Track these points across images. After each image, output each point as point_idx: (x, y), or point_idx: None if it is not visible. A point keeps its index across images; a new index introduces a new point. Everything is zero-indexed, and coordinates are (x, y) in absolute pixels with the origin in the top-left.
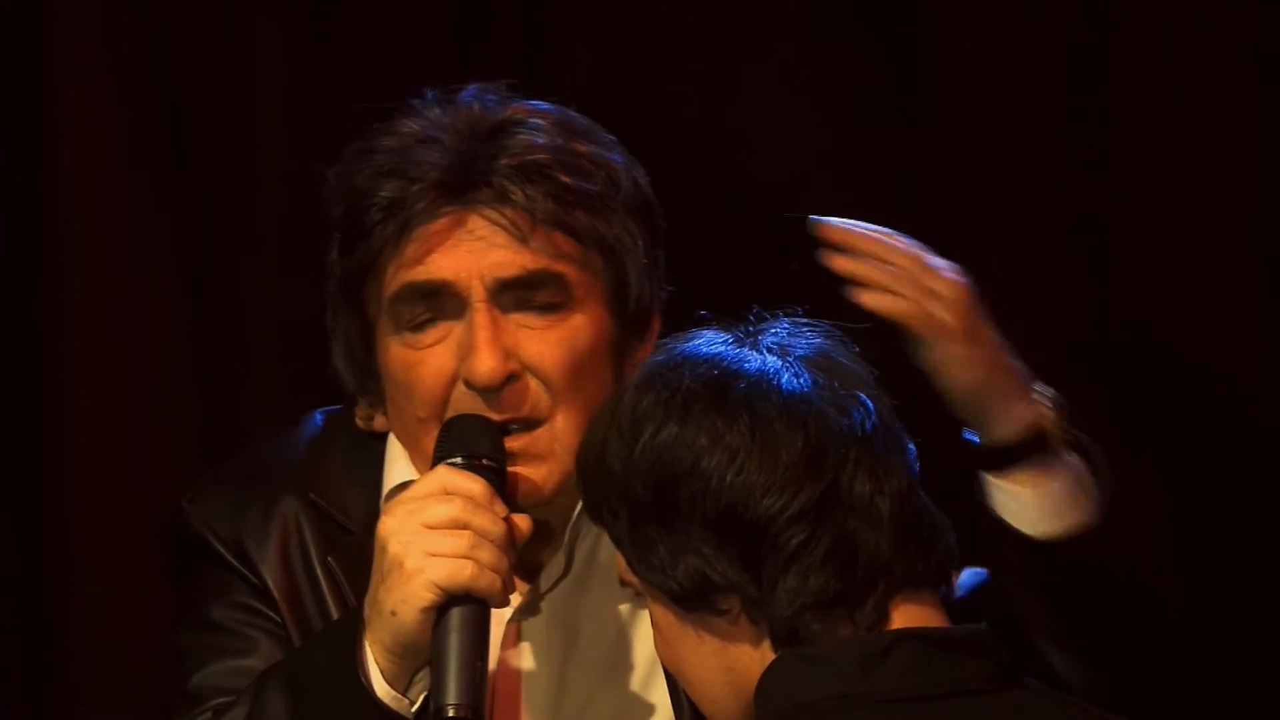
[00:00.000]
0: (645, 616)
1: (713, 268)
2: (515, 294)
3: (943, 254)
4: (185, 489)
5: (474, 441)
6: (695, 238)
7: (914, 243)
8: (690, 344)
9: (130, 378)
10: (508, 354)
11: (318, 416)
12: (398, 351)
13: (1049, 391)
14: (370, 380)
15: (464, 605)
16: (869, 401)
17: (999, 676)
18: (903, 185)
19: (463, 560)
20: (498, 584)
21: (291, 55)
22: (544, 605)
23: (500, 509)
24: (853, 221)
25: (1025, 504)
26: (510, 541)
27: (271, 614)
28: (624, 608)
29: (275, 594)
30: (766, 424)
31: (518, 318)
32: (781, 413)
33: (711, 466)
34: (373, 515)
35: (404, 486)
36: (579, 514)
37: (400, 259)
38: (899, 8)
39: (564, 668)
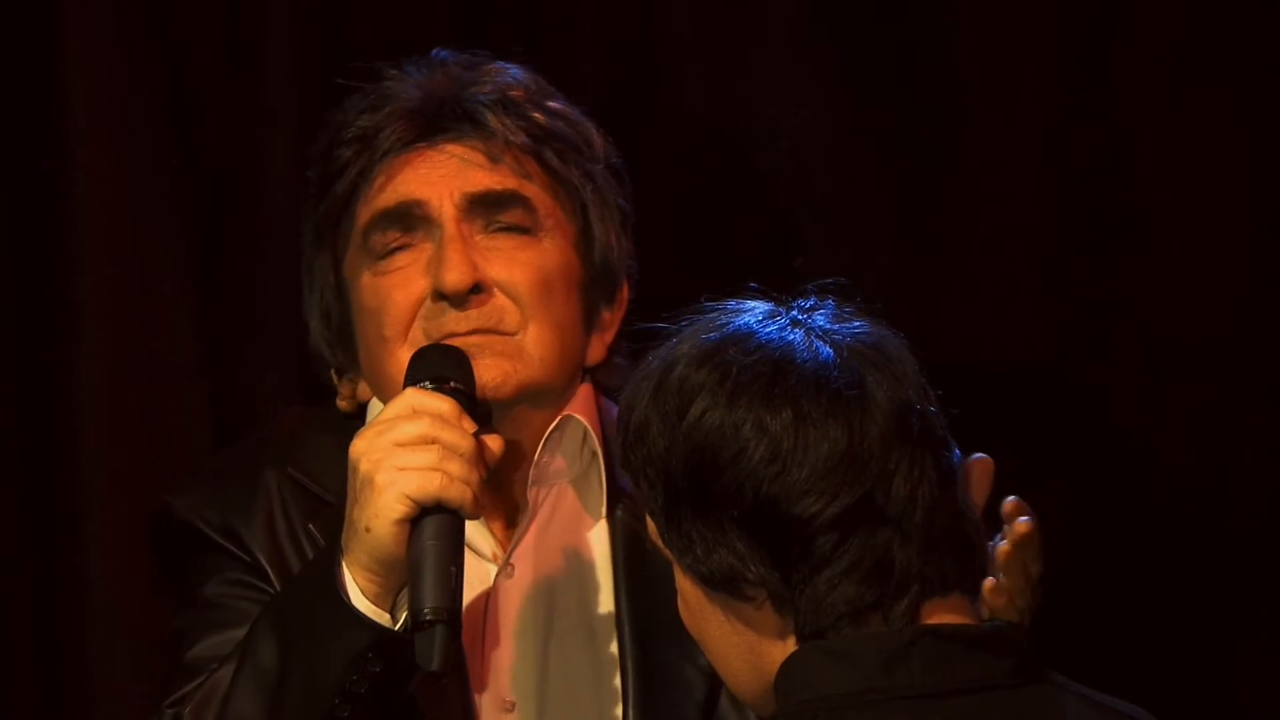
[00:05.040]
0: (604, 565)
1: (713, 261)
2: (485, 213)
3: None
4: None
5: (442, 367)
6: (697, 233)
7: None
8: (743, 320)
9: (141, 373)
10: (475, 265)
11: (297, 411)
12: (369, 281)
13: None
14: (345, 338)
15: (437, 516)
16: (917, 403)
17: (1021, 673)
18: (903, 183)
19: (432, 472)
20: (468, 494)
21: (299, 54)
22: (521, 559)
23: (469, 425)
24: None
25: None
26: (480, 456)
27: (264, 585)
28: (593, 559)
29: (266, 565)
30: (811, 423)
31: (486, 240)
32: (829, 412)
33: (754, 462)
34: None
35: None
36: (544, 447)
37: (371, 190)
38: (900, 5)
39: (547, 625)
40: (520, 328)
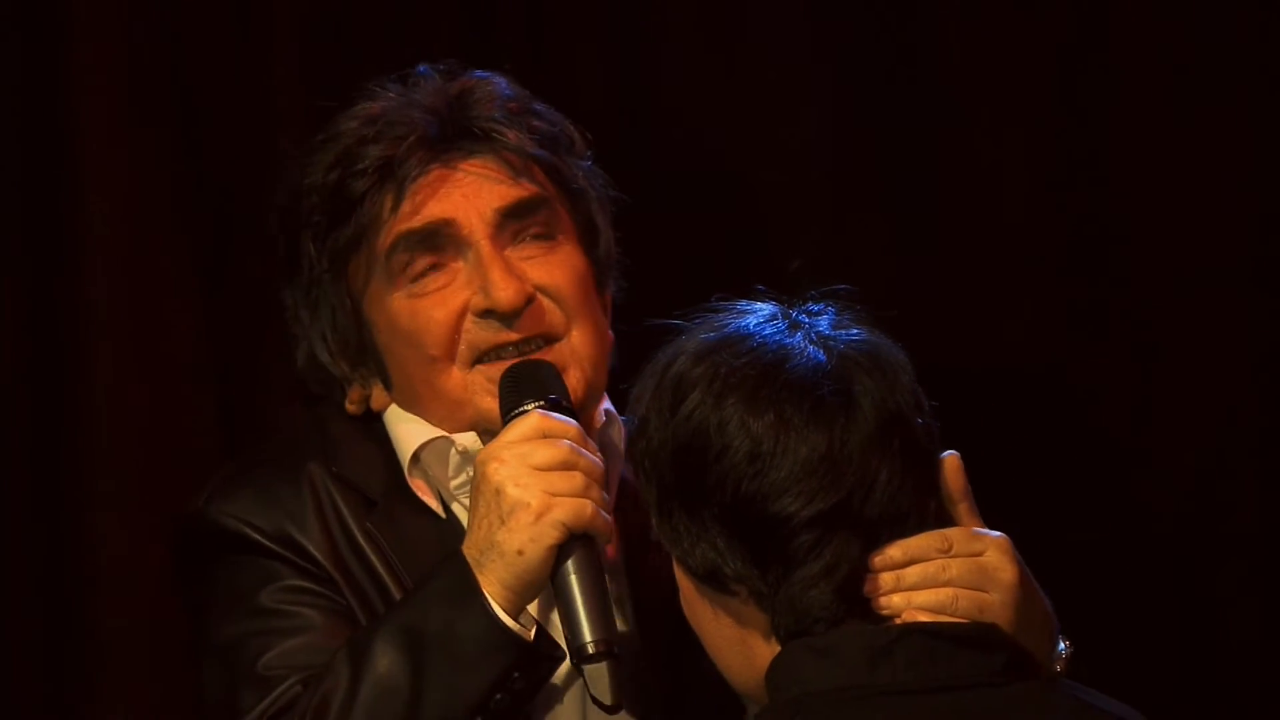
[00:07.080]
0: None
1: (711, 262)
2: (512, 227)
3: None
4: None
5: (546, 384)
6: (695, 232)
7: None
8: (744, 321)
9: (150, 377)
10: (522, 278)
11: (306, 414)
12: (401, 303)
13: (1067, 647)
14: (363, 357)
15: (582, 542)
16: (907, 413)
17: (1007, 670)
18: (902, 184)
19: (583, 500)
20: (610, 522)
21: (305, 58)
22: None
23: (594, 448)
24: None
25: None
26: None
27: (322, 590)
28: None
29: (327, 565)
30: (793, 427)
31: (515, 252)
32: (810, 418)
33: (735, 459)
34: (392, 484)
35: (432, 445)
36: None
37: (397, 215)
38: (899, 7)
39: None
40: (566, 330)
